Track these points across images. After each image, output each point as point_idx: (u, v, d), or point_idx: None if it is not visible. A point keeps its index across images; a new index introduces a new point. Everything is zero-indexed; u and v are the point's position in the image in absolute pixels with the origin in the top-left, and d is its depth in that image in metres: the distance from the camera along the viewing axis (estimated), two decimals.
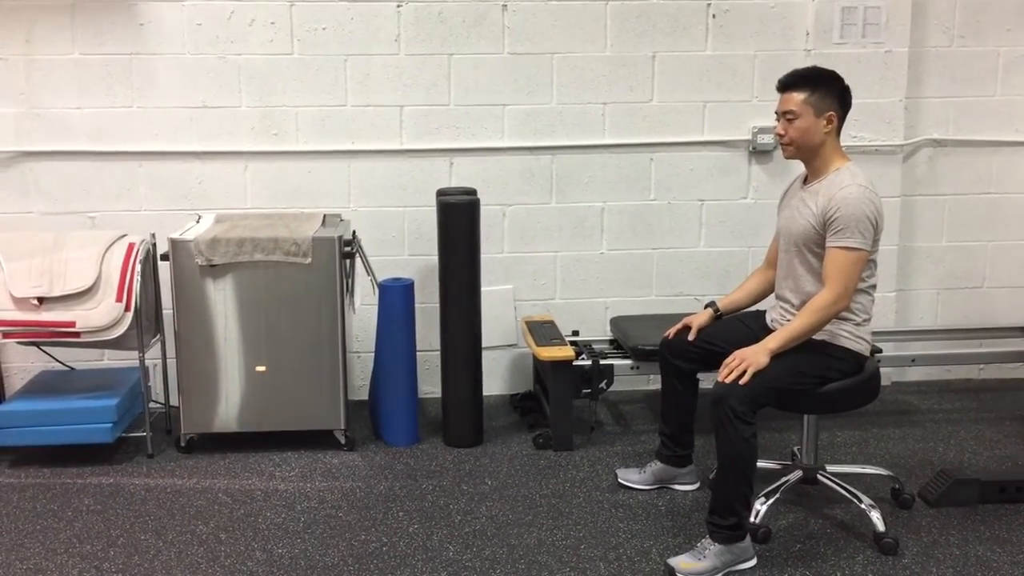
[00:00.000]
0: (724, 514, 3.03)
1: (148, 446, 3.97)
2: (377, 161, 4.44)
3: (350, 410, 4.09)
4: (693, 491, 3.61)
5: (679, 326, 3.50)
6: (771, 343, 3.02)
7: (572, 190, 4.54)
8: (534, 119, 4.46)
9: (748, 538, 3.09)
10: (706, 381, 3.35)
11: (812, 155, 3.17)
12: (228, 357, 3.90)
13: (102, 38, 4.24)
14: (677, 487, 3.62)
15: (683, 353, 3.43)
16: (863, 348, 3.16)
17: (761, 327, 3.33)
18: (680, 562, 3.05)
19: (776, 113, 3.20)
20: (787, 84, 3.16)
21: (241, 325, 3.88)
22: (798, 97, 3.12)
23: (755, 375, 2.97)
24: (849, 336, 3.12)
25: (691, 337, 3.42)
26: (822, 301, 3.02)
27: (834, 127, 3.14)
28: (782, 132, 3.18)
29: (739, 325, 3.42)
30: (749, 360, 2.97)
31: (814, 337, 3.08)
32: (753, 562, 3.09)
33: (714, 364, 3.17)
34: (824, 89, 3.12)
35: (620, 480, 3.67)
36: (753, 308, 3.51)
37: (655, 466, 3.63)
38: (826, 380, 3.10)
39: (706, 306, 3.52)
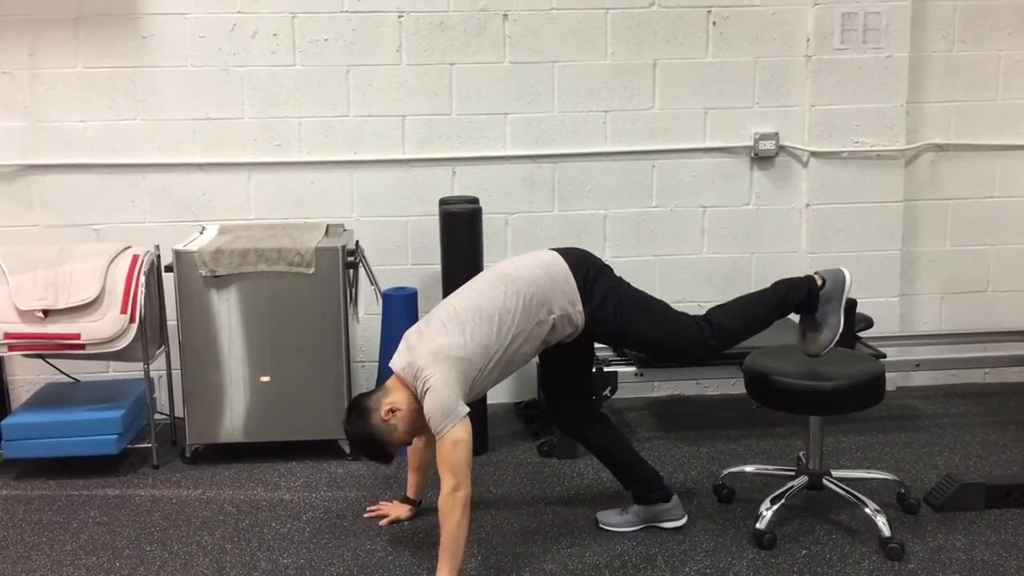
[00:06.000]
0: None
1: (153, 457, 3.98)
2: (379, 171, 4.45)
3: None
4: (682, 526, 3.38)
5: (375, 514, 3.51)
6: (442, 572, 2.92)
7: (574, 198, 4.55)
8: (536, 127, 4.47)
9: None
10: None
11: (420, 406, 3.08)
12: (232, 368, 3.91)
13: (105, 51, 4.26)
14: (664, 525, 3.37)
15: (556, 419, 3.52)
16: (571, 312, 3.14)
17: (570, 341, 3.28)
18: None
19: None
20: (362, 454, 3.26)
21: (245, 335, 3.89)
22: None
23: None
24: (562, 314, 3.14)
25: (384, 524, 3.45)
26: (443, 500, 2.93)
27: (392, 405, 3.07)
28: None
29: (552, 357, 3.38)
30: None
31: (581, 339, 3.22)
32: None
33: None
34: (358, 436, 3.13)
35: (601, 525, 3.40)
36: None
37: (635, 507, 3.41)
38: (637, 315, 3.21)
39: (401, 500, 3.52)
